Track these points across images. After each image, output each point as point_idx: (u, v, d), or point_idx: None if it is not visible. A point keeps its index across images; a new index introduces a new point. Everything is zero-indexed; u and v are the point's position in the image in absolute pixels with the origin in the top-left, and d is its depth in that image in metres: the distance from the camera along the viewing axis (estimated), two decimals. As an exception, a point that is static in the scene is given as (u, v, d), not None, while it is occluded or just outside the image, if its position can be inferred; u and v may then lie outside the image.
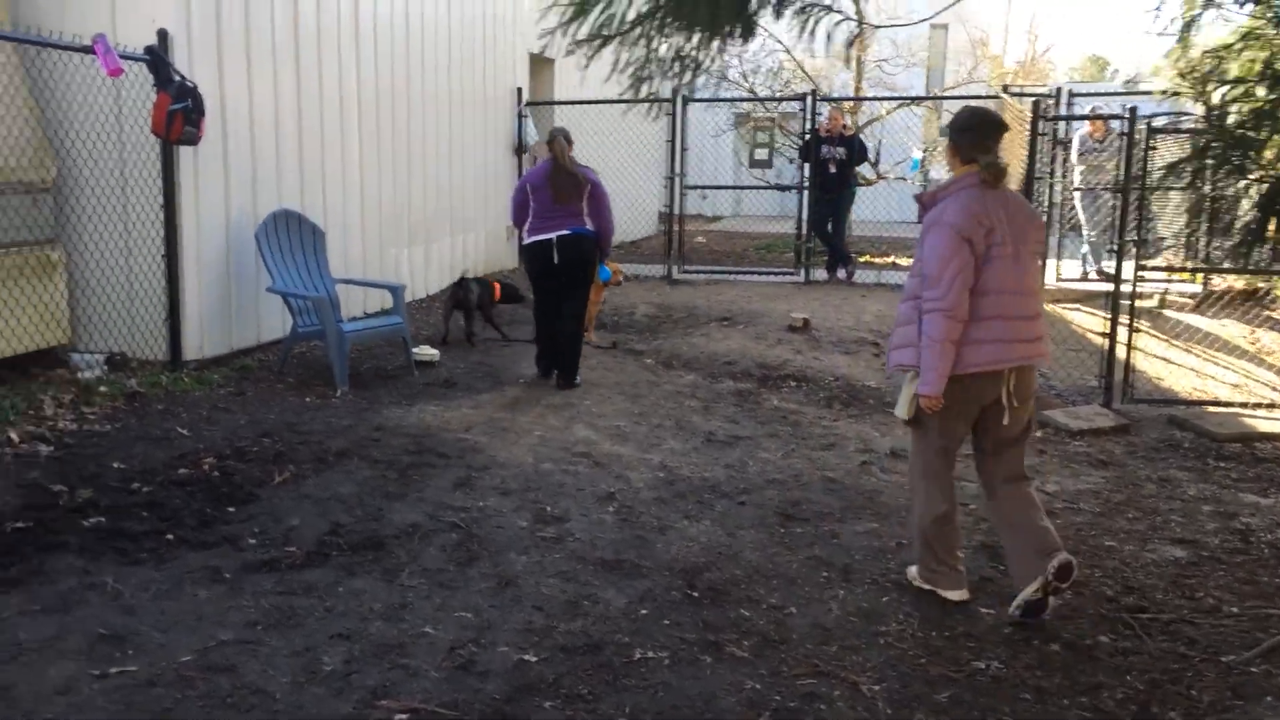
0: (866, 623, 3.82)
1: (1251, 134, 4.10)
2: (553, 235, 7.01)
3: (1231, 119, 4.29)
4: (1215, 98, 4.39)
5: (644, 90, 3.88)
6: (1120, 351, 7.29)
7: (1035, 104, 8.11)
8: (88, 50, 5.82)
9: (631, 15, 3.71)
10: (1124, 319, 7.32)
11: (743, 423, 6.56)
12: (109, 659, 3.32)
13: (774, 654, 3.55)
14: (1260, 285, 9.73)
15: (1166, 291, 10.43)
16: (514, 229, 8.66)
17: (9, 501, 4.59)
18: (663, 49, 3.77)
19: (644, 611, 3.84)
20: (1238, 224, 4.49)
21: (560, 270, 7.08)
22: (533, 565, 4.22)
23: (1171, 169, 4.50)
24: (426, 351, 7.74)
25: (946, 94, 16.24)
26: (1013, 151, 9.85)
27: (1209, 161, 4.19)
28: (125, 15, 6.57)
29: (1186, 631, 3.82)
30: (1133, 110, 7.61)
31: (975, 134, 3.89)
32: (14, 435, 5.32)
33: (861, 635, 3.72)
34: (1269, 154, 4.16)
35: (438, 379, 7.31)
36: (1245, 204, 4.44)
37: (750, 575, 4.22)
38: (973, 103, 14.47)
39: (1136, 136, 7.41)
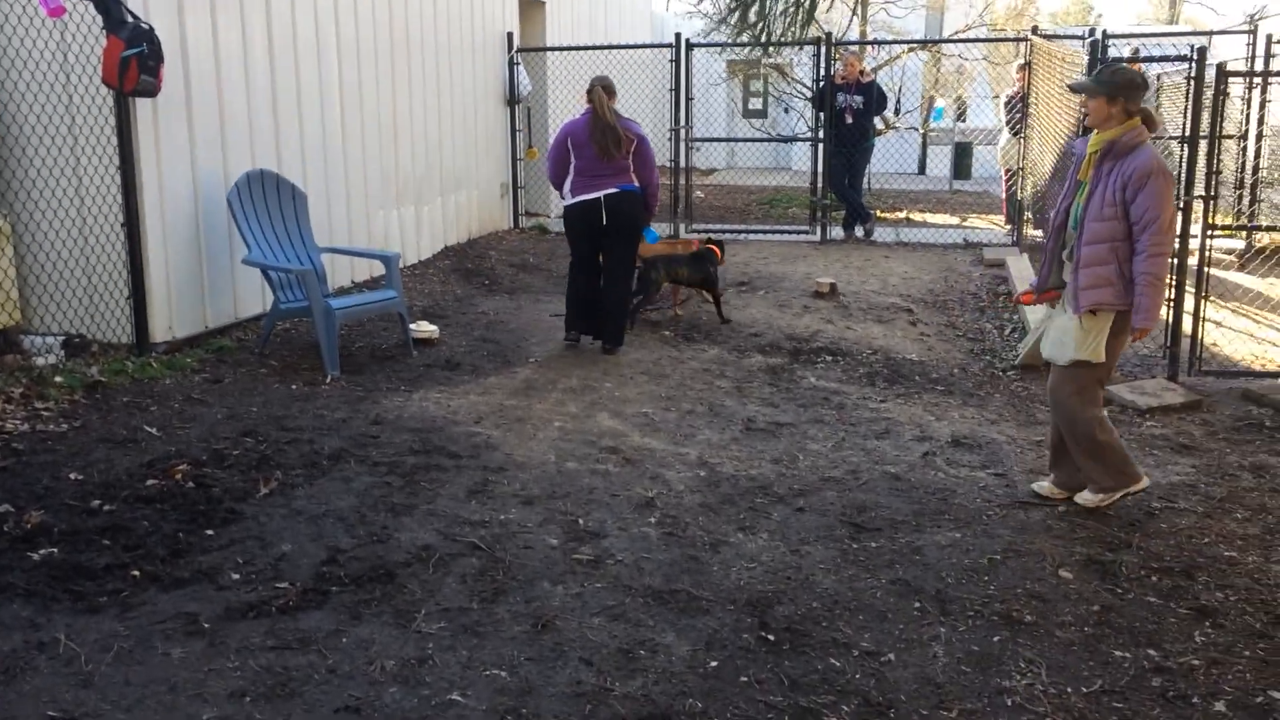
0: (984, 674, 3.17)
1: None
2: (599, 194, 6.48)
3: None
4: None
5: None
6: (1186, 321, 6.61)
7: (1094, 47, 7.35)
8: (25, -13, 4.99)
9: None
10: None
11: (781, 406, 5.88)
12: (58, 756, 2.63)
13: (886, 726, 2.90)
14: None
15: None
16: (552, 188, 7.92)
17: (-59, 530, 3.87)
18: None
19: (714, 663, 3.18)
20: None
21: (609, 231, 6.56)
22: (571, 599, 3.55)
23: None
24: (425, 328, 6.97)
25: (967, 37, 15.29)
26: (1051, 101, 9.11)
27: None
28: (71, -52, 5.71)
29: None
30: (1201, 51, 6.87)
31: (1142, 90, 4.00)
32: (-48, 442, 4.58)
33: (982, 693, 3.06)
34: None
35: (439, 359, 6.57)
36: None
37: (830, 608, 3.55)
38: (1003, 45, 13.75)
39: (1206, 81, 6.68)
